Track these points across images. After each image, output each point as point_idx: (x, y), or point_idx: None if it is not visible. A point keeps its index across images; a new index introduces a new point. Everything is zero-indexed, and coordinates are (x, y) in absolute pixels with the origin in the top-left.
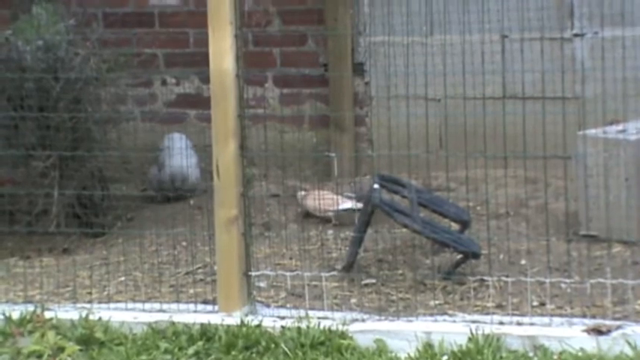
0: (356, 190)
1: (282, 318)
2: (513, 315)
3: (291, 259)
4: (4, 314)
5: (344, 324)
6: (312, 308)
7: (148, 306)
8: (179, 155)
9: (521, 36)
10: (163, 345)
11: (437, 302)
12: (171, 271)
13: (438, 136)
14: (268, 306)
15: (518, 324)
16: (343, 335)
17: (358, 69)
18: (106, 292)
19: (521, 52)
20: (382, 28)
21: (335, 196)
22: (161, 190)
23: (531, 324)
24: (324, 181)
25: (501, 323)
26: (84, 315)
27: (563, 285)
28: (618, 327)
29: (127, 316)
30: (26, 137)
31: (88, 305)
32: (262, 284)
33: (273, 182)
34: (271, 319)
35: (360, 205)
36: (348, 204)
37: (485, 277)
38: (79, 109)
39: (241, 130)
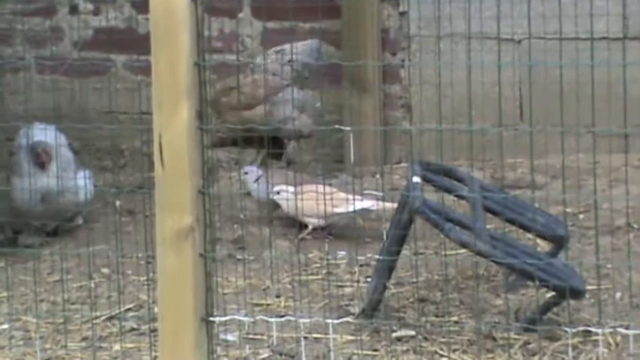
0: (384, 186)
1: None
2: None
3: (278, 296)
4: None
5: None
6: None
7: None
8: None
9: None
10: None
11: None
12: (84, 315)
13: (516, 101)
14: None
15: None
16: None
17: None
18: None
19: None
20: None
21: (345, 195)
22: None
23: None
24: (334, 171)
25: None
26: None
27: None
28: None
29: None
30: None
31: None
32: (231, 337)
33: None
34: None
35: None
36: (365, 203)
37: (592, 329)
38: None
39: (200, 89)
